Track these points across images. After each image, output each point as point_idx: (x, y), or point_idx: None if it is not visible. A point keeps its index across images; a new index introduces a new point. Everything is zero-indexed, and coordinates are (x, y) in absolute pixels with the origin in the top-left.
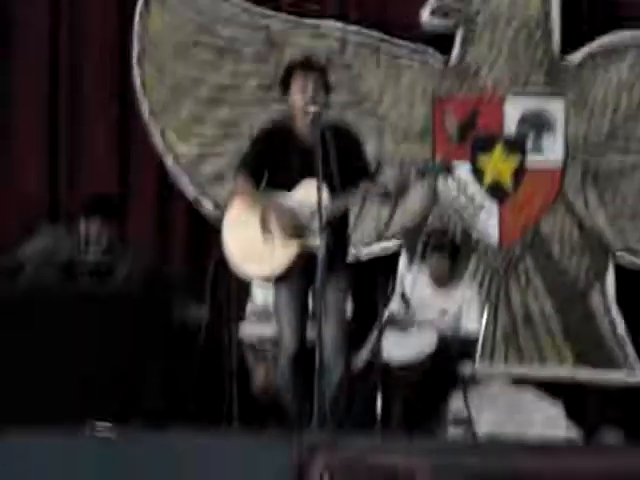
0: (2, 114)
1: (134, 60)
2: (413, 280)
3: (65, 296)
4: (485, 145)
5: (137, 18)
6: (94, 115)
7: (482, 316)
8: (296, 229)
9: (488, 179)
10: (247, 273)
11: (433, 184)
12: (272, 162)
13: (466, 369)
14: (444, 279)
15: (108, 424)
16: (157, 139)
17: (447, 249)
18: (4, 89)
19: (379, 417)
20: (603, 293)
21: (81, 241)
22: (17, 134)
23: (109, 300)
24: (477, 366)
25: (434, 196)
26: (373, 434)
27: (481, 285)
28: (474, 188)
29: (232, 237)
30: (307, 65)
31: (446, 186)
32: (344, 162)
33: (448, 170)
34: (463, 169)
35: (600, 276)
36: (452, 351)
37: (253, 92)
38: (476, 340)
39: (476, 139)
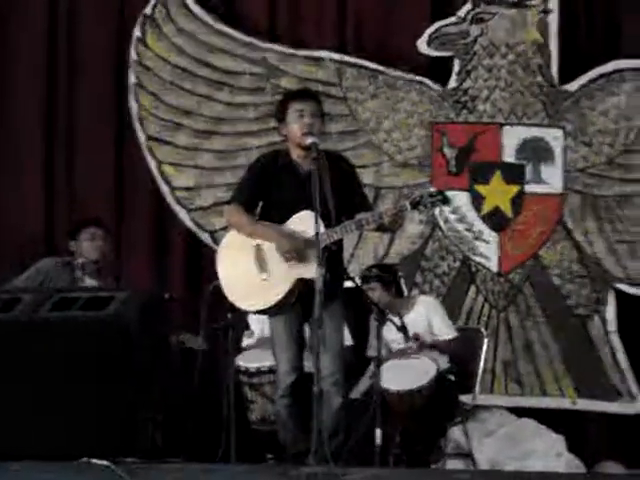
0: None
1: (130, 89)
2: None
3: (60, 326)
4: (483, 173)
5: (133, 47)
6: (90, 142)
7: (448, 319)
8: (297, 252)
9: (487, 207)
10: (243, 307)
11: (430, 213)
12: (267, 192)
13: (466, 399)
14: (394, 306)
15: (104, 461)
16: (154, 169)
17: (377, 279)
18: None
19: (378, 449)
20: (603, 321)
21: (76, 269)
22: (14, 165)
23: (104, 329)
24: (477, 396)
25: (432, 224)
26: (372, 466)
27: (480, 316)
28: (473, 216)
29: (226, 271)
30: (303, 95)
31: (444, 214)
32: (340, 192)
33: (444, 200)
34: (461, 197)
35: (600, 304)
36: (451, 381)
37: (249, 123)
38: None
39: (474, 167)
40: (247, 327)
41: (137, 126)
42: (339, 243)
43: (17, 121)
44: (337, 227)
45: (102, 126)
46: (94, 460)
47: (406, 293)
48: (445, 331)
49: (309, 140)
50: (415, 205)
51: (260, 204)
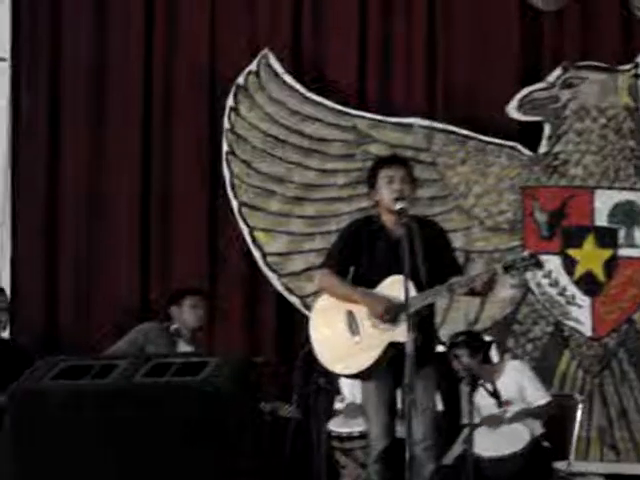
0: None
1: (223, 156)
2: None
3: (154, 392)
4: (575, 237)
5: (226, 114)
6: (184, 211)
7: (540, 383)
8: (390, 316)
9: (579, 271)
10: (335, 371)
11: (522, 277)
12: (359, 256)
13: (561, 466)
14: (482, 372)
15: None
16: (246, 236)
17: (465, 345)
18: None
19: None
20: None
21: (172, 335)
22: (110, 235)
23: (197, 395)
24: (572, 463)
25: (524, 288)
26: None
27: (574, 381)
28: (565, 280)
29: (319, 334)
30: (392, 161)
31: (537, 278)
32: (431, 257)
33: (537, 264)
34: (554, 261)
35: None
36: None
37: (340, 189)
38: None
39: (566, 231)
40: (338, 392)
41: (230, 192)
42: (431, 307)
43: (115, 185)
44: (428, 291)
45: (197, 193)
46: None
47: (496, 359)
48: (538, 395)
49: (398, 205)
50: (507, 269)
51: (352, 269)
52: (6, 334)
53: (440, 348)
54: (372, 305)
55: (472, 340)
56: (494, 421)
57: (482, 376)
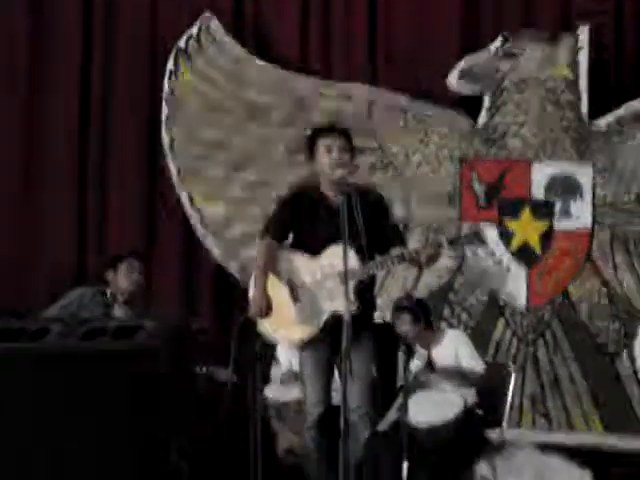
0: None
1: (162, 122)
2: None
3: (89, 355)
4: (513, 209)
5: (166, 80)
6: (122, 175)
7: (475, 352)
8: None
9: (516, 242)
10: (276, 338)
11: (462, 251)
12: (298, 225)
13: (493, 434)
14: (422, 339)
15: None
16: (184, 200)
17: (408, 311)
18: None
19: None
20: (632, 358)
21: (107, 299)
22: (47, 202)
23: (132, 358)
24: (504, 432)
25: (461, 260)
26: None
27: (508, 350)
28: (502, 251)
29: None
30: (331, 130)
31: (474, 249)
32: (371, 225)
33: (480, 240)
34: (490, 232)
35: (629, 341)
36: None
37: (280, 155)
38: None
39: (503, 202)
40: (275, 359)
41: (169, 158)
42: (371, 277)
43: (52, 154)
44: (372, 262)
45: (135, 159)
46: None
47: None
48: (473, 364)
49: (337, 174)
50: (452, 243)
51: (291, 236)
52: None
53: (378, 316)
54: (254, 300)
55: (416, 306)
56: (427, 387)
57: (419, 343)
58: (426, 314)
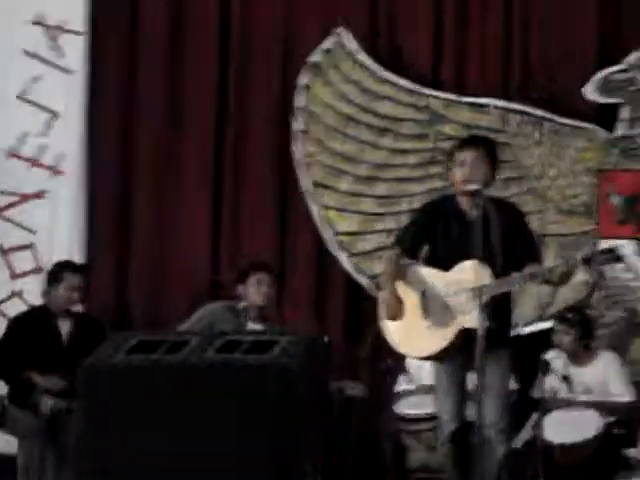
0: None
1: (295, 135)
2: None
3: (225, 369)
4: None
5: (298, 93)
6: (255, 190)
7: (628, 382)
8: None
9: None
10: (406, 353)
11: (599, 268)
12: (433, 237)
13: (632, 452)
14: (577, 355)
15: None
16: (316, 214)
17: (572, 323)
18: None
19: None
20: None
21: (240, 314)
22: (183, 213)
23: (267, 373)
24: None
25: (600, 274)
26: None
27: None
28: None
29: None
30: (467, 143)
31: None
32: (507, 240)
33: (615, 257)
34: (628, 247)
35: None
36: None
37: (412, 169)
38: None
39: None
40: (405, 372)
41: (301, 171)
42: (506, 293)
43: (187, 164)
44: (503, 279)
45: (268, 172)
46: None
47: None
48: (622, 391)
49: (469, 187)
50: (586, 261)
51: (426, 249)
52: (80, 308)
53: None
54: (384, 306)
55: (582, 321)
56: (567, 406)
57: (573, 358)
58: (589, 332)
